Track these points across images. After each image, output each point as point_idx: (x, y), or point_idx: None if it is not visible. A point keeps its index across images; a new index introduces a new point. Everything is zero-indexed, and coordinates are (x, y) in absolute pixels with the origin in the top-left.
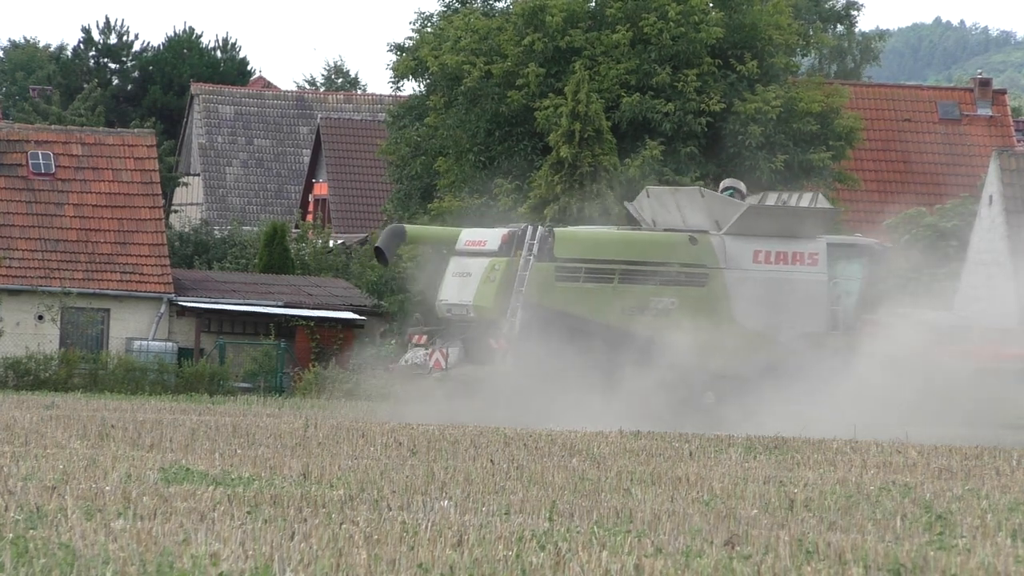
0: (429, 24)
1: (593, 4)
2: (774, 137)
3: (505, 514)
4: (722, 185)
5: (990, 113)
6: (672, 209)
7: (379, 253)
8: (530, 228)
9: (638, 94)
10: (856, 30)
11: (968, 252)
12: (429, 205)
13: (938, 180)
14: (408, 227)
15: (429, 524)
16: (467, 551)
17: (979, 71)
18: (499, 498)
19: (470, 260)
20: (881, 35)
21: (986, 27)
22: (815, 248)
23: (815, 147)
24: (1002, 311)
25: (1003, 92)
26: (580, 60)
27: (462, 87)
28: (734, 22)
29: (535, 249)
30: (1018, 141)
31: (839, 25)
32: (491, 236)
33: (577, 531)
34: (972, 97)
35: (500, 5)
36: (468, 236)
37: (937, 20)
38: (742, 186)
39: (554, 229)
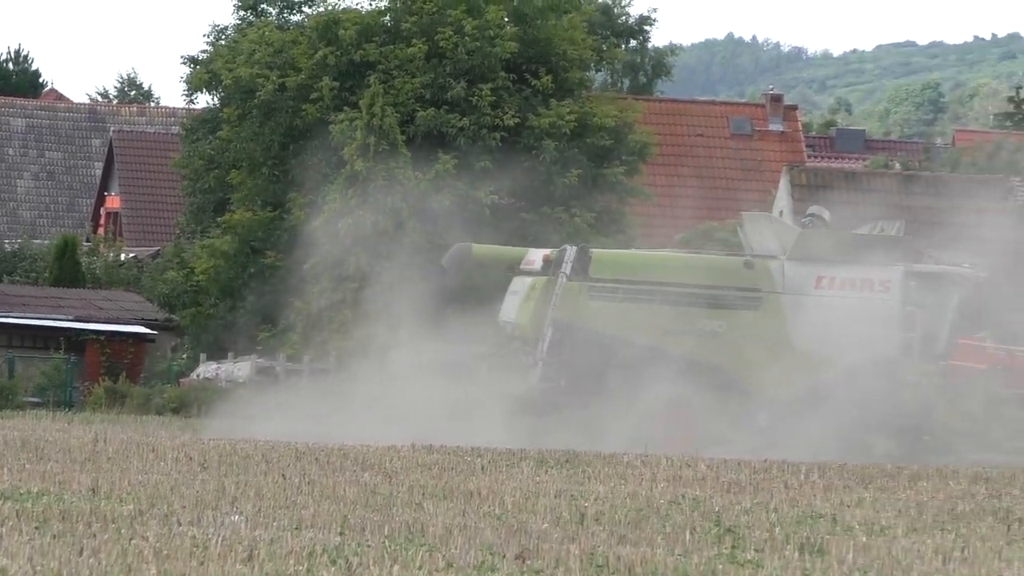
0: (223, 37)
1: (388, 18)
2: (568, 152)
3: (296, 529)
4: (807, 211)
5: (781, 129)
6: (758, 235)
7: (445, 271)
8: (568, 248)
9: (433, 108)
10: (649, 45)
11: None
12: (220, 219)
13: (730, 195)
14: (475, 246)
15: (220, 539)
16: (258, 566)
17: (771, 87)
18: (290, 513)
19: (522, 279)
20: (674, 50)
21: (778, 43)
22: (888, 275)
23: (609, 162)
24: None
25: (794, 108)
26: (375, 74)
27: (256, 100)
28: (529, 37)
29: (568, 268)
30: (809, 156)
31: (632, 40)
32: (539, 256)
33: (368, 546)
34: (764, 113)
35: (295, 19)
36: (527, 256)
37: (730, 36)
38: (826, 213)
39: (591, 249)
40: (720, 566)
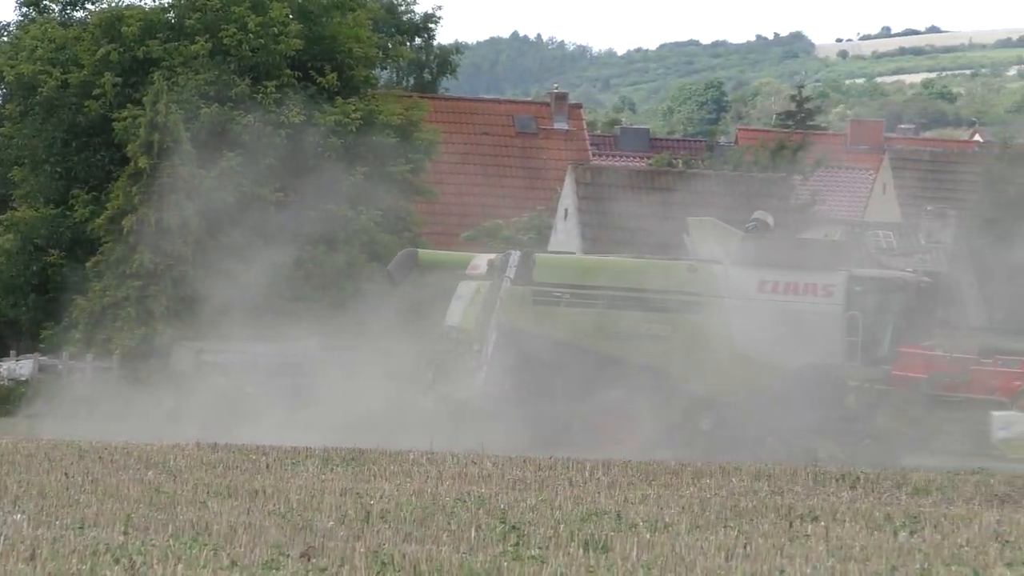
0: (5, 33)
1: (172, 15)
2: (354, 149)
3: (79, 528)
4: (752, 216)
5: (566, 127)
6: (703, 240)
7: (389, 275)
8: (512, 253)
9: (217, 105)
10: (434, 43)
11: None
12: (2, 216)
13: (516, 193)
14: (420, 252)
15: (1, 538)
16: (40, 565)
17: (555, 85)
18: (73, 511)
19: (467, 284)
20: (459, 48)
21: (563, 42)
22: (831, 280)
23: (395, 160)
24: None
25: (579, 106)
26: (159, 71)
27: (38, 96)
28: (314, 34)
29: (512, 272)
30: (594, 155)
31: (417, 38)
32: (483, 261)
33: (153, 544)
34: (549, 111)
35: (78, 15)
36: (472, 261)
37: (515, 34)
38: (770, 218)
39: (534, 254)
40: (505, 563)
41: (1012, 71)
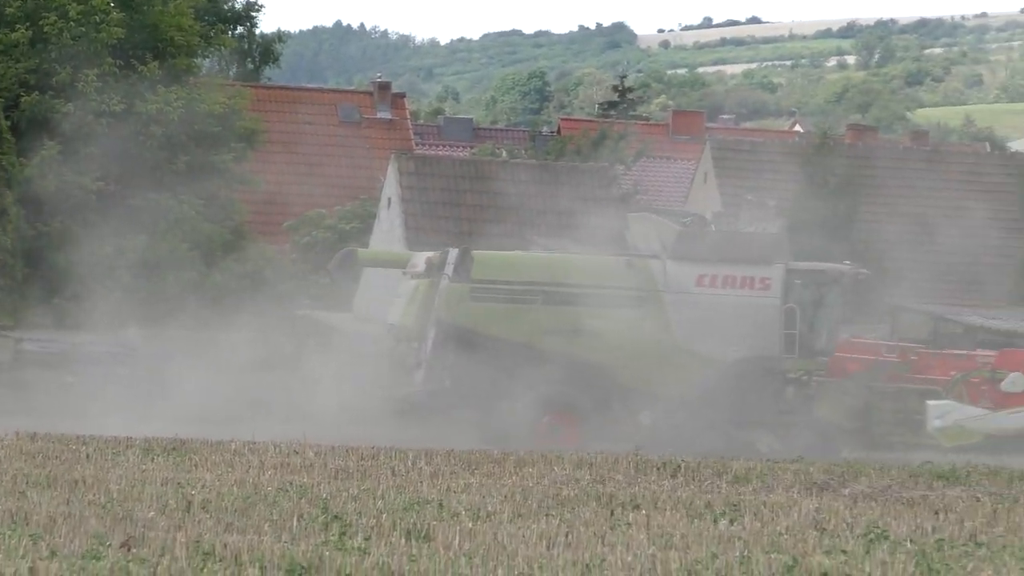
0: None
1: None
2: (176, 138)
3: None
4: (689, 211)
5: (389, 116)
6: (642, 235)
7: (329, 275)
8: (451, 250)
9: (38, 93)
10: (257, 32)
11: None
12: None
13: (338, 182)
14: (360, 251)
15: None
16: None
17: (378, 75)
18: None
19: (407, 282)
20: (281, 37)
21: (386, 31)
22: (768, 273)
23: (217, 148)
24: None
25: (402, 96)
26: None
27: None
28: (136, 22)
29: (450, 270)
30: (417, 144)
31: (240, 26)
32: (422, 259)
33: None
34: (372, 100)
35: None
36: (412, 259)
37: (338, 23)
38: (708, 213)
39: (472, 251)
40: (327, 553)
41: (831, 62)
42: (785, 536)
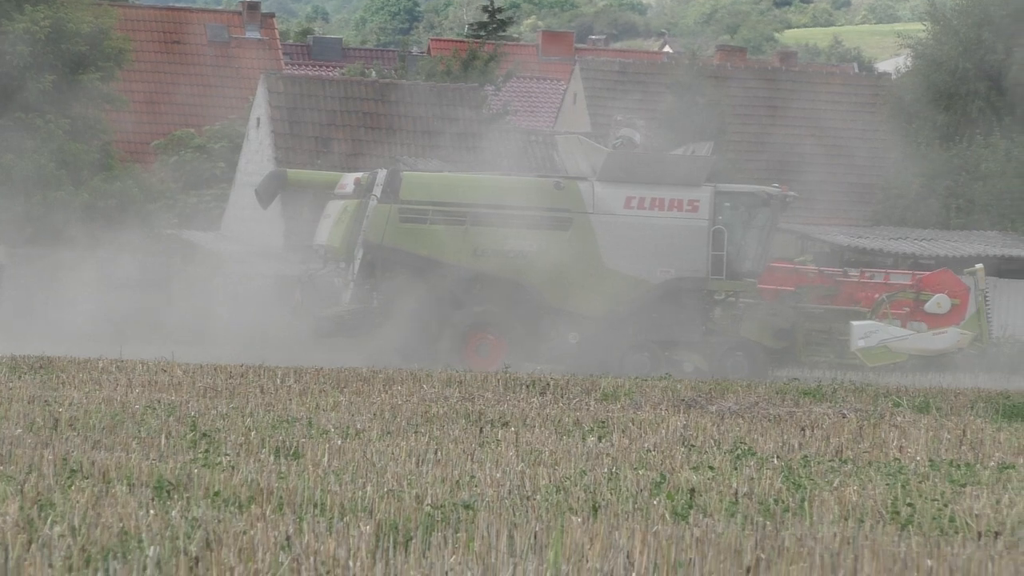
0: None
1: None
2: (43, 58)
3: None
4: (618, 133)
5: (259, 36)
6: (572, 157)
7: (258, 196)
8: (379, 171)
9: None
10: None
11: (236, 174)
12: None
13: (208, 102)
14: (289, 172)
15: None
16: None
17: None
18: None
19: (335, 203)
20: None
21: None
22: (696, 195)
23: (85, 68)
24: (270, 231)
25: (272, 16)
26: None
27: None
28: None
29: (379, 191)
30: (286, 64)
31: None
32: (351, 180)
33: None
34: (241, 20)
35: None
36: (340, 180)
37: None
38: (637, 136)
39: (402, 172)
40: (196, 470)
41: None
42: (653, 453)
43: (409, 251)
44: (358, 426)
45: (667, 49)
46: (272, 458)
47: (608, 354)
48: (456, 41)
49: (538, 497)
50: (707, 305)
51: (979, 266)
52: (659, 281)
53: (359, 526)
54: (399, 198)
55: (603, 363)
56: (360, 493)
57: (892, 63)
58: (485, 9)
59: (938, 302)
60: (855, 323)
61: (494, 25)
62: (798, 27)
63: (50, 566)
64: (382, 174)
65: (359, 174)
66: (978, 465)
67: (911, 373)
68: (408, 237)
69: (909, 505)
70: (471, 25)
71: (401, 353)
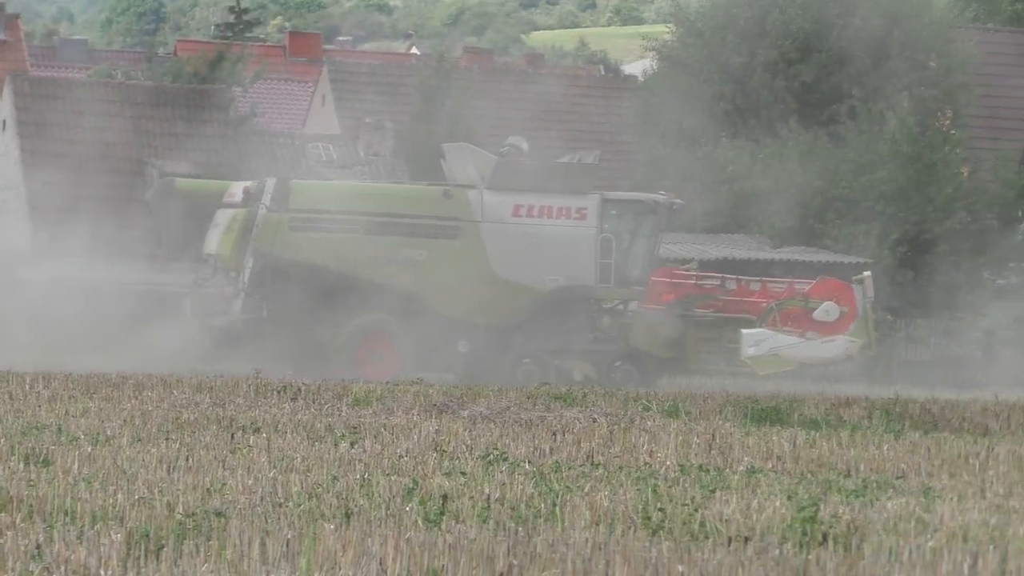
0: None
1: None
2: None
3: None
4: (505, 141)
5: (3, 37)
6: (460, 165)
7: (146, 205)
8: (268, 180)
9: None
10: None
11: None
12: None
13: None
14: (178, 181)
15: None
16: None
17: None
18: None
19: (224, 212)
20: None
21: None
22: (584, 203)
23: None
24: (15, 235)
25: (17, 16)
26: None
27: None
28: None
29: (268, 200)
30: (32, 66)
31: None
32: (240, 188)
33: None
34: None
35: None
36: (229, 189)
37: None
38: (524, 144)
39: (291, 181)
40: None
41: None
42: (405, 458)
43: (299, 260)
44: (108, 432)
45: (414, 51)
46: (22, 465)
47: (498, 363)
48: (203, 42)
49: (290, 504)
50: (596, 313)
51: (867, 273)
52: (548, 289)
53: (110, 534)
54: (288, 207)
55: (493, 372)
56: (111, 501)
57: (639, 65)
58: (231, 10)
59: (827, 309)
60: (745, 331)
61: (240, 26)
62: (545, 29)
63: None
64: (271, 183)
65: (248, 183)
66: (727, 470)
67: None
68: (298, 246)
69: (660, 510)
70: (217, 26)
71: (292, 363)
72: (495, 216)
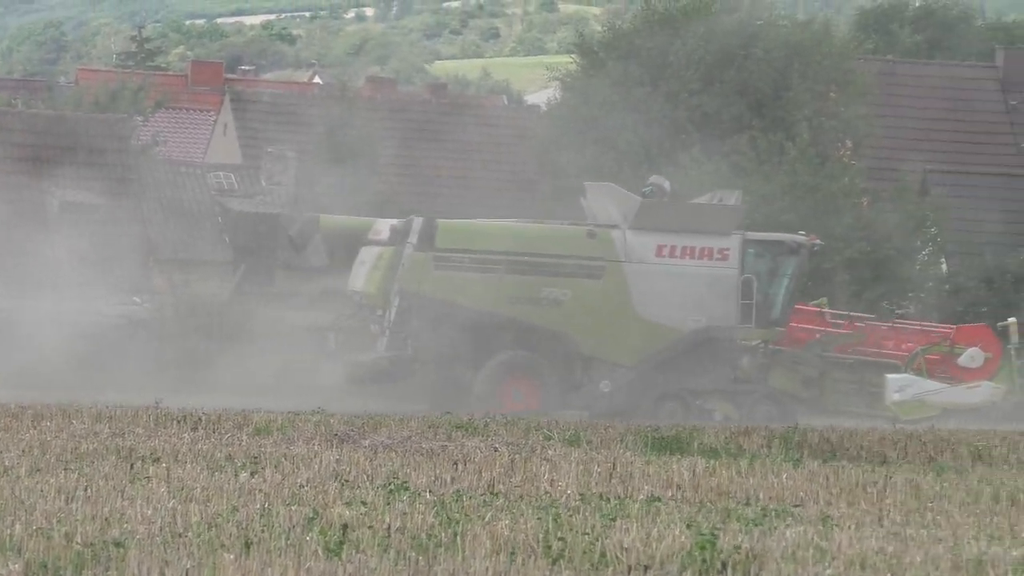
0: None
1: None
2: None
3: None
4: (648, 181)
5: None
6: (602, 205)
7: (291, 241)
8: (415, 219)
9: None
10: None
11: None
12: None
13: None
14: (322, 217)
15: None
16: None
17: None
18: None
19: (370, 250)
20: None
21: None
22: (726, 244)
23: None
24: None
25: None
26: None
27: None
28: None
29: (414, 238)
30: None
31: None
32: (386, 227)
33: None
34: None
35: None
36: (374, 227)
37: None
38: (666, 183)
39: (437, 220)
40: None
41: (351, 14)
42: (306, 488)
43: (444, 299)
44: (6, 463)
45: (317, 80)
46: None
47: (640, 401)
48: (105, 71)
49: (190, 534)
50: (736, 353)
51: (1012, 320)
52: (690, 329)
53: (8, 565)
54: (434, 246)
55: (635, 410)
56: (8, 532)
57: (542, 95)
58: (133, 39)
59: (971, 355)
60: (890, 376)
61: (142, 55)
62: (448, 58)
63: None
64: (418, 221)
65: (395, 221)
66: (628, 498)
67: None
68: (443, 285)
69: (560, 539)
70: (119, 55)
71: (433, 401)
72: (638, 256)
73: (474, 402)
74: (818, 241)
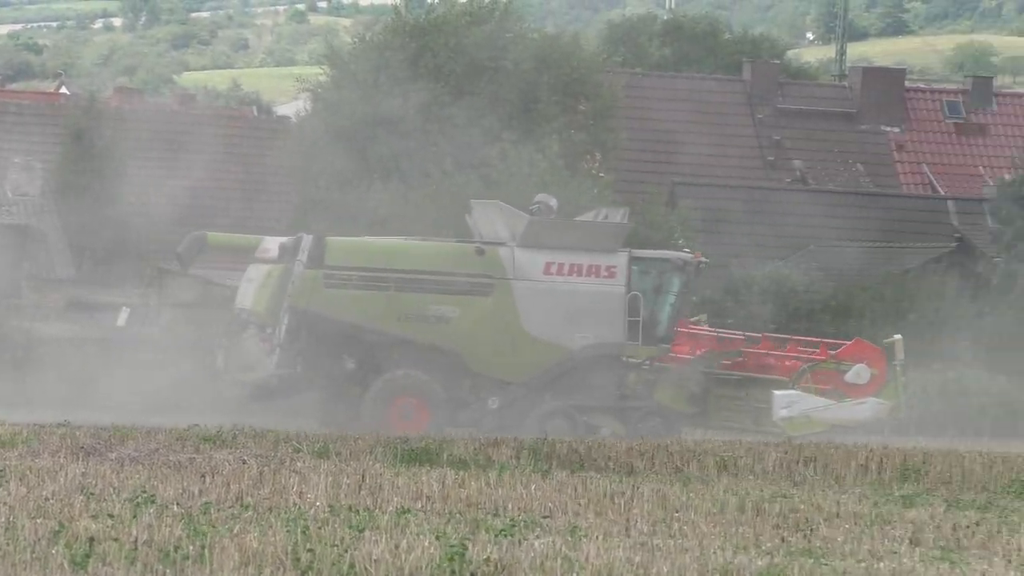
0: None
1: None
2: None
3: None
4: (535, 199)
5: None
6: (488, 222)
7: (178, 258)
8: (304, 236)
9: None
10: None
11: None
12: None
13: None
14: (210, 234)
15: None
16: None
17: None
18: None
19: (257, 267)
20: None
21: None
22: (613, 261)
23: None
24: None
25: None
26: None
27: None
28: None
29: (304, 256)
30: None
31: None
32: (275, 244)
33: None
34: None
35: None
36: (263, 244)
37: None
38: (552, 201)
39: (327, 238)
40: None
41: (98, 24)
42: (51, 501)
43: (333, 317)
44: None
45: (64, 90)
46: None
47: (527, 419)
48: None
49: None
50: (623, 370)
51: (898, 336)
52: (578, 347)
53: None
54: (324, 263)
55: (521, 427)
56: None
57: (292, 107)
58: None
59: (858, 372)
60: (778, 392)
61: None
62: (197, 69)
63: None
64: (307, 239)
65: (284, 239)
66: (377, 510)
67: None
68: (333, 302)
69: (309, 551)
70: None
71: (322, 418)
72: (527, 274)
73: (363, 420)
74: (704, 259)
